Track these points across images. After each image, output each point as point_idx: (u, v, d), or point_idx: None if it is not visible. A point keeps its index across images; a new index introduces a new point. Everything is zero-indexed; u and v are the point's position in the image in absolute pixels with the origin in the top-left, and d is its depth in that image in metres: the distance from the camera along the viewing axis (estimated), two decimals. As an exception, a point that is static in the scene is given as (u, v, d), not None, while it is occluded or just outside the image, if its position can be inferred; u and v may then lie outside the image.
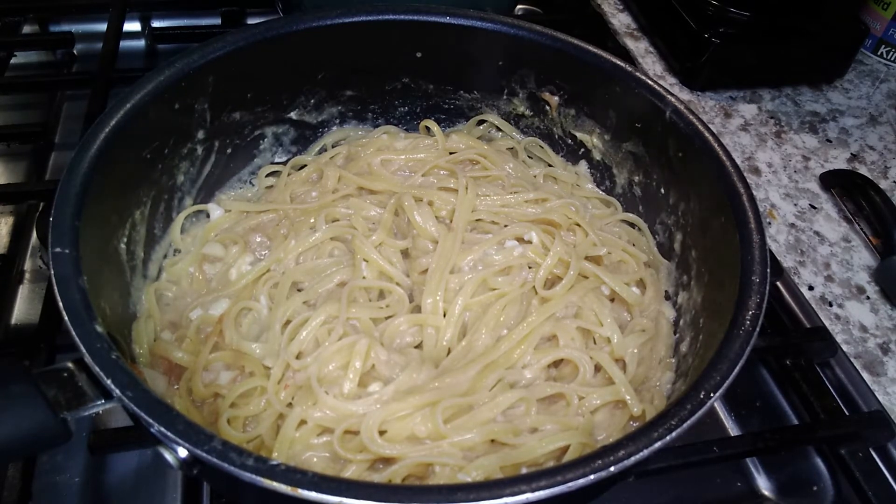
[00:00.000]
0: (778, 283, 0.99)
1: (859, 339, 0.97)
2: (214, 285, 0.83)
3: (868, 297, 1.02)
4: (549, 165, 1.00)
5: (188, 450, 0.52)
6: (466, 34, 0.92)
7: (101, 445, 0.76)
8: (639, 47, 1.42)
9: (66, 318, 0.58)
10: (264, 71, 0.89)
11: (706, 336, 0.73)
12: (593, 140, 0.97)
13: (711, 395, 0.58)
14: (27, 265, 0.99)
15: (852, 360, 0.93)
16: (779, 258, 1.05)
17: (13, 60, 1.27)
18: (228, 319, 0.77)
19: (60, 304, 0.58)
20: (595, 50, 0.90)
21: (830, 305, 1.01)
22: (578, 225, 0.87)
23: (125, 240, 0.77)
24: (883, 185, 1.17)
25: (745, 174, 0.77)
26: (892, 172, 1.23)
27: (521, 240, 0.84)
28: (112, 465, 0.81)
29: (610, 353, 0.77)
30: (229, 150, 0.92)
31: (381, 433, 0.67)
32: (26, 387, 0.55)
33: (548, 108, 0.98)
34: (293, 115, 0.97)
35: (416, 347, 0.78)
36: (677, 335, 0.82)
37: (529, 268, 0.83)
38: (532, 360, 0.75)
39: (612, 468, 0.54)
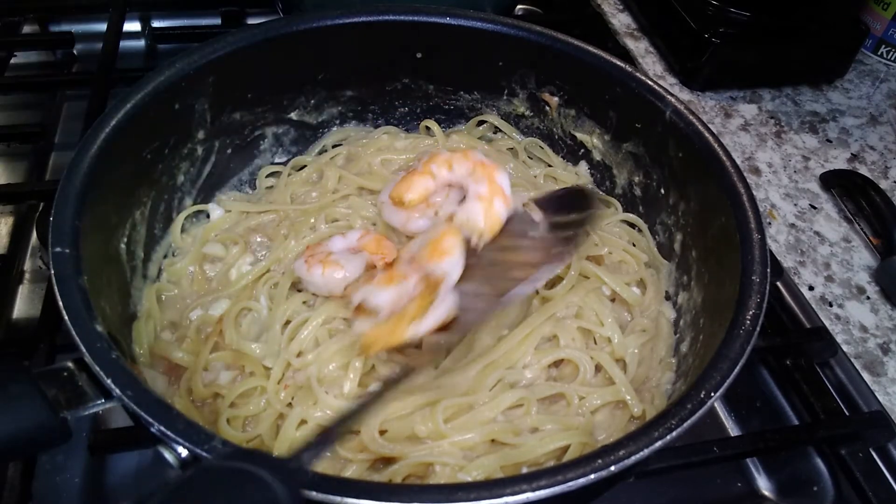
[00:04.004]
0: (778, 284, 0.99)
1: (859, 339, 0.97)
2: (214, 285, 0.83)
3: (868, 298, 1.02)
4: (549, 166, 1.00)
5: (188, 449, 0.53)
6: (466, 34, 0.92)
7: (101, 445, 0.76)
8: (639, 47, 1.42)
9: (66, 317, 0.58)
10: (264, 71, 0.89)
11: (706, 336, 0.73)
12: (593, 140, 0.97)
13: (712, 395, 0.59)
14: (27, 265, 0.99)
15: (852, 360, 0.93)
16: (779, 258, 1.05)
17: (13, 60, 1.27)
18: (228, 319, 0.77)
19: (60, 303, 0.58)
20: (595, 50, 0.90)
21: (830, 305, 1.01)
22: (579, 225, 0.87)
23: (125, 240, 0.77)
24: (883, 185, 1.17)
25: (745, 174, 0.77)
26: (893, 172, 1.23)
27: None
28: (112, 465, 0.80)
29: (610, 354, 0.77)
30: (229, 151, 0.93)
31: (382, 432, 0.67)
32: (26, 386, 0.55)
33: (548, 108, 0.98)
34: (293, 115, 0.97)
35: (417, 347, 0.78)
36: (677, 335, 0.82)
37: None
38: (532, 360, 0.75)
39: (612, 468, 0.54)
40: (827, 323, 0.97)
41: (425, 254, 0.73)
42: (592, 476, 0.53)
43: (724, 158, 0.77)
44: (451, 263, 0.72)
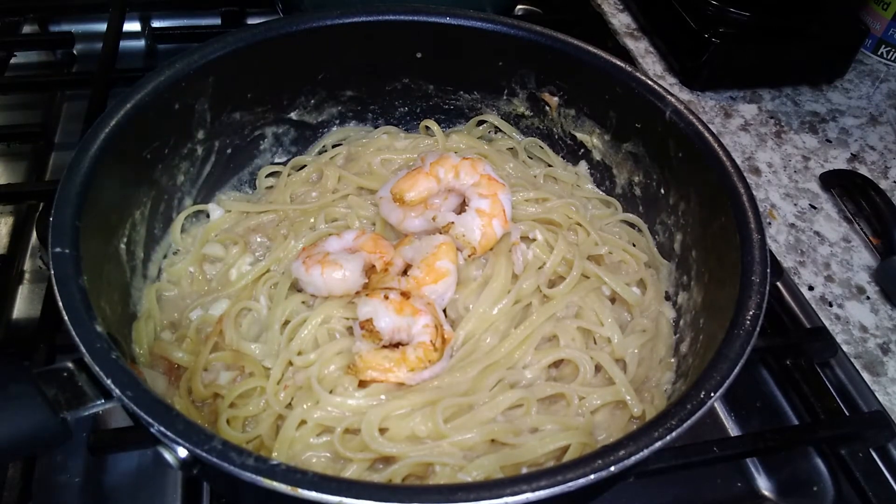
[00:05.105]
0: (778, 284, 0.99)
1: (859, 339, 0.97)
2: (214, 285, 0.83)
3: (868, 297, 1.02)
4: (549, 166, 1.00)
5: (188, 450, 0.52)
6: (466, 34, 0.92)
7: (101, 445, 0.76)
8: (639, 47, 1.42)
9: (66, 317, 0.58)
10: (264, 71, 0.89)
11: (706, 336, 0.73)
12: (593, 140, 0.97)
13: (711, 395, 0.58)
14: (27, 265, 0.99)
15: (852, 360, 0.93)
16: (779, 258, 1.05)
17: (13, 60, 1.27)
18: (228, 319, 0.77)
19: (60, 303, 0.58)
20: (595, 50, 0.90)
21: (830, 305, 1.01)
22: (579, 224, 0.87)
23: (125, 240, 0.77)
24: (883, 185, 1.17)
25: (745, 174, 0.77)
26: (892, 172, 1.23)
27: (526, 238, 0.84)
28: (112, 465, 0.80)
29: (610, 354, 0.77)
30: (229, 151, 0.92)
31: (382, 432, 0.67)
32: (26, 387, 0.55)
33: (548, 108, 0.98)
34: (293, 115, 0.97)
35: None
36: (677, 335, 0.82)
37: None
38: (533, 360, 0.75)
39: (612, 468, 0.54)
40: (827, 323, 0.97)
41: (421, 274, 0.76)
42: (592, 476, 0.53)
43: (724, 158, 0.77)
44: (445, 285, 0.77)
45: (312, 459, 0.68)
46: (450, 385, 0.71)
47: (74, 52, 1.35)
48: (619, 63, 0.88)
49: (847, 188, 1.15)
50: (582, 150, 0.99)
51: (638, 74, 0.87)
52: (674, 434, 0.56)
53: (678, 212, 0.86)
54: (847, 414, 0.88)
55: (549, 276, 0.81)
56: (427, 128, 1.01)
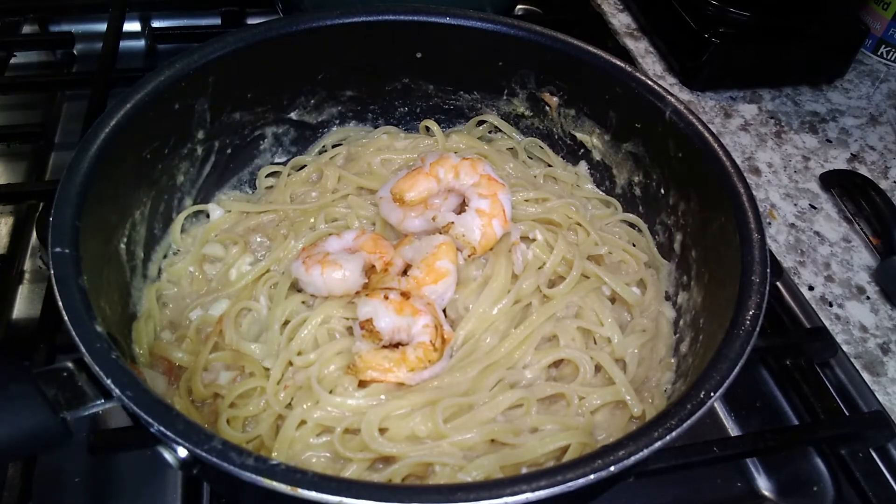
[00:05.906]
0: (778, 284, 0.99)
1: (859, 339, 0.97)
2: (214, 285, 0.83)
3: (868, 297, 1.02)
4: (549, 166, 1.00)
5: (188, 449, 0.52)
6: (466, 34, 0.92)
7: (101, 445, 0.76)
8: (639, 47, 1.42)
9: (66, 317, 0.58)
10: (264, 71, 0.89)
11: (706, 336, 0.73)
12: (593, 140, 0.97)
13: (711, 394, 0.59)
14: (27, 265, 0.99)
15: (852, 360, 0.93)
16: (779, 258, 1.05)
17: (13, 60, 1.27)
18: (228, 319, 0.77)
19: (60, 303, 0.58)
20: (595, 50, 0.90)
21: (830, 305, 1.01)
22: (579, 224, 0.87)
23: (125, 240, 0.77)
24: (883, 185, 1.17)
25: (745, 174, 0.77)
26: (892, 172, 1.23)
27: (526, 238, 0.84)
28: (112, 465, 0.80)
29: (610, 354, 0.77)
30: (229, 151, 0.92)
31: (382, 432, 0.67)
32: (26, 386, 0.55)
33: (548, 108, 0.98)
34: (293, 115, 0.97)
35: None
36: (677, 335, 0.82)
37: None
38: (533, 360, 0.75)
39: (612, 468, 0.54)
40: (827, 323, 0.97)
41: (421, 274, 0.76)
42: (592, 476, 0.53)
43: (724, 158, 0.77)
44: (445, 285, 0.77)
45: (312, 459, 0.68)
46: (450, 385, 0.71)
47: (74, 52, 1.35)
48: (619, 63, 0.88)
49: (847, 188, 1.15)
50: (582, 150, 0.99)
51: (638, 74, 0.87)
52: (674, 434, 0.56)
53: (678, 212, 0.86)
54: (847, 414, 0.88)
55: (549, 276, 0.81)
56: (427, 128, 1.01)
